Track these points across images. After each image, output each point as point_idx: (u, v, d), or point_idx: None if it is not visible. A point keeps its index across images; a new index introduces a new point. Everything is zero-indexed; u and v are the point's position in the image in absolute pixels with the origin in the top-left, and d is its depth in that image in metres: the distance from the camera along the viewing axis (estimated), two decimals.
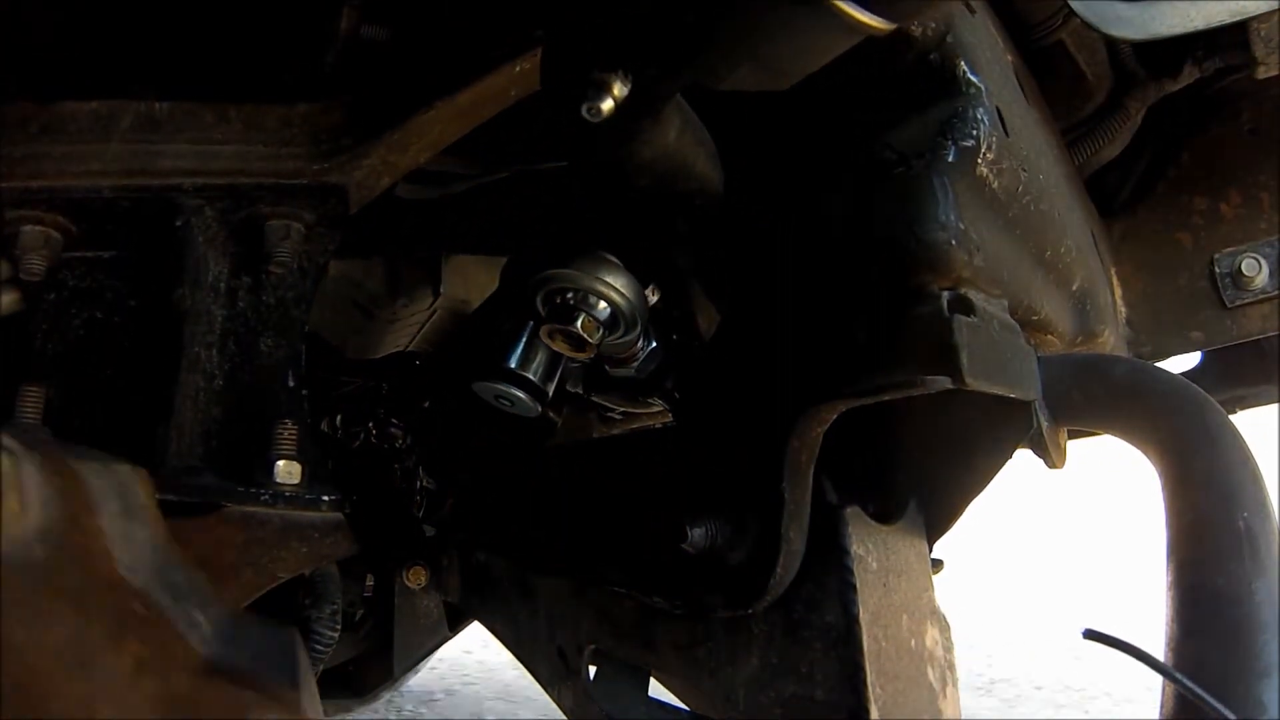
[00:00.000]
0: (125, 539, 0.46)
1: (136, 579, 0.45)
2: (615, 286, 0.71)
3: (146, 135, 0.71)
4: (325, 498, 0.70)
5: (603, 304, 0.71)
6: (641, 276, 0.76)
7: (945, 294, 0.64)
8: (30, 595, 0.40)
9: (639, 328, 0.75)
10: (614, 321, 0.73)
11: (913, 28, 0.72)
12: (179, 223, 0.72)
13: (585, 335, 0.70)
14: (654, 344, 0.80)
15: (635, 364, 0.81)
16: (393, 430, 1.34)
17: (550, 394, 0.82)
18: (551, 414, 1.09)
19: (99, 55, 0.74)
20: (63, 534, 0.43)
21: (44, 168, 0.68)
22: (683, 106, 0.66)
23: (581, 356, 0.75)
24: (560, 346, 0.73)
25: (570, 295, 0.71)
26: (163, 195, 0.72)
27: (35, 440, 0.45)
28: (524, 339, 0.80)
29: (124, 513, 0.47)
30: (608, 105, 0.50)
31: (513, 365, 0.79)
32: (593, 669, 0.94)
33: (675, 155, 0.65)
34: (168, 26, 0.77)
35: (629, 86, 0.51)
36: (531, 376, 0.79)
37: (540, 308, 0.74)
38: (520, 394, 0.80)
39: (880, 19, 0.47)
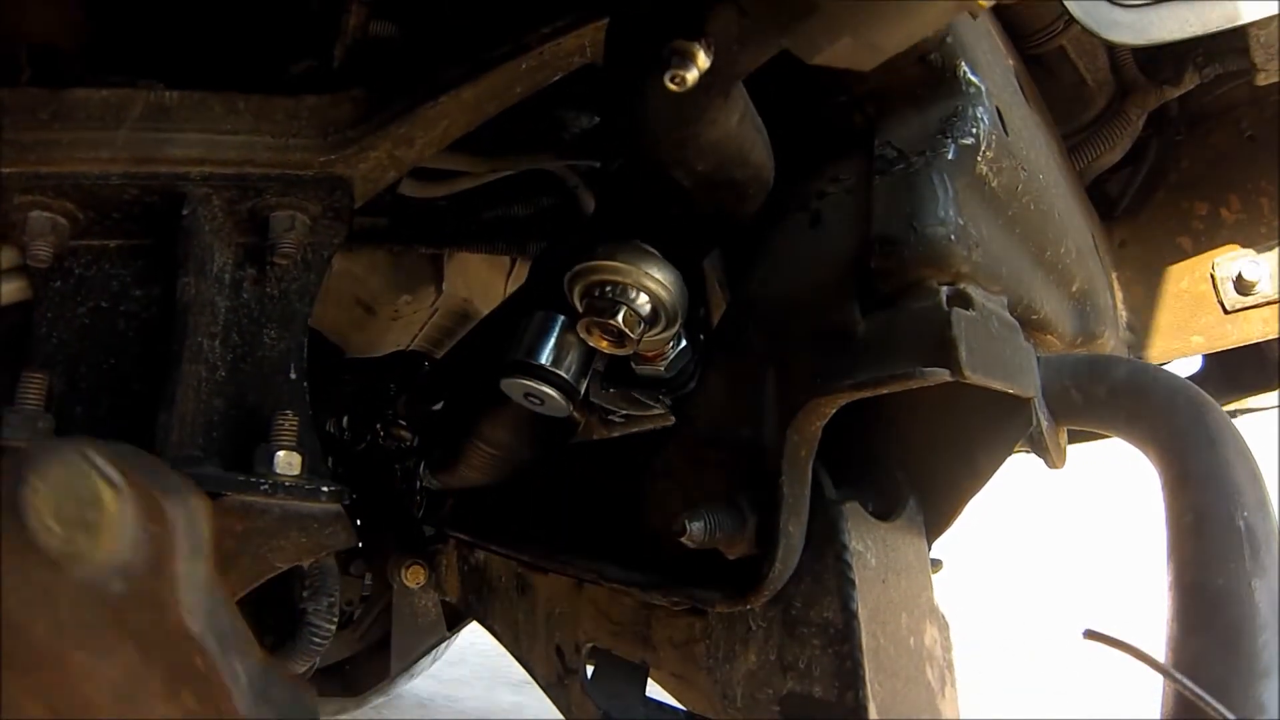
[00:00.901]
0: (192, 583, 0.47)
1: (195, 625, 0.46)
2: (659, 279, 0.67)
3: (156, 124, 0.71)
4: (324, 489, 0.70)
5: (644, 297, 0.68)
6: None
7: (944, 289, 0.64)
8: (99, 627, 0.41)
9: (678, 323, 0.72)
10: (655, 316, 0.69)
11: None
12: (185, 211, 0.73)
13: (627, 330, 0.67)
14: (684, 343, 0.77)
15: (664, 362, 0.77)
16: (400, 432, 1.34)
17: (582, 392, 0.78)
18: (576, 413, 1.05)
19: (112, 45, 0.75)
20: (142, 576, 0.44)
21: (53, 154, 0.68)
22: (743, 90, 0.63)
23: (621, 352, 0.72)
24: (599, 342, 0.70)
25: (610, 289, 0.68)
26: (170, 184, 0.72)
27: (132, 469, 0.45)
28: (555, 334, 0.76)
29: (193, 554, 0.48)
30: (693, 75, 0.47)
31: (545, 361, 0.76)
32: (590, 668, 0.94)
33: (736, 139, 0.63)
34: (181, 18, 0.78)
35: (712, 56, 0.48)
36: (564, 374, 0.76)
37: (578, 301, 0.71)
38: (552, 392, 0.76)
39: None
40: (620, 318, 0.67)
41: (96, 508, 0.41)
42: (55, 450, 0.42)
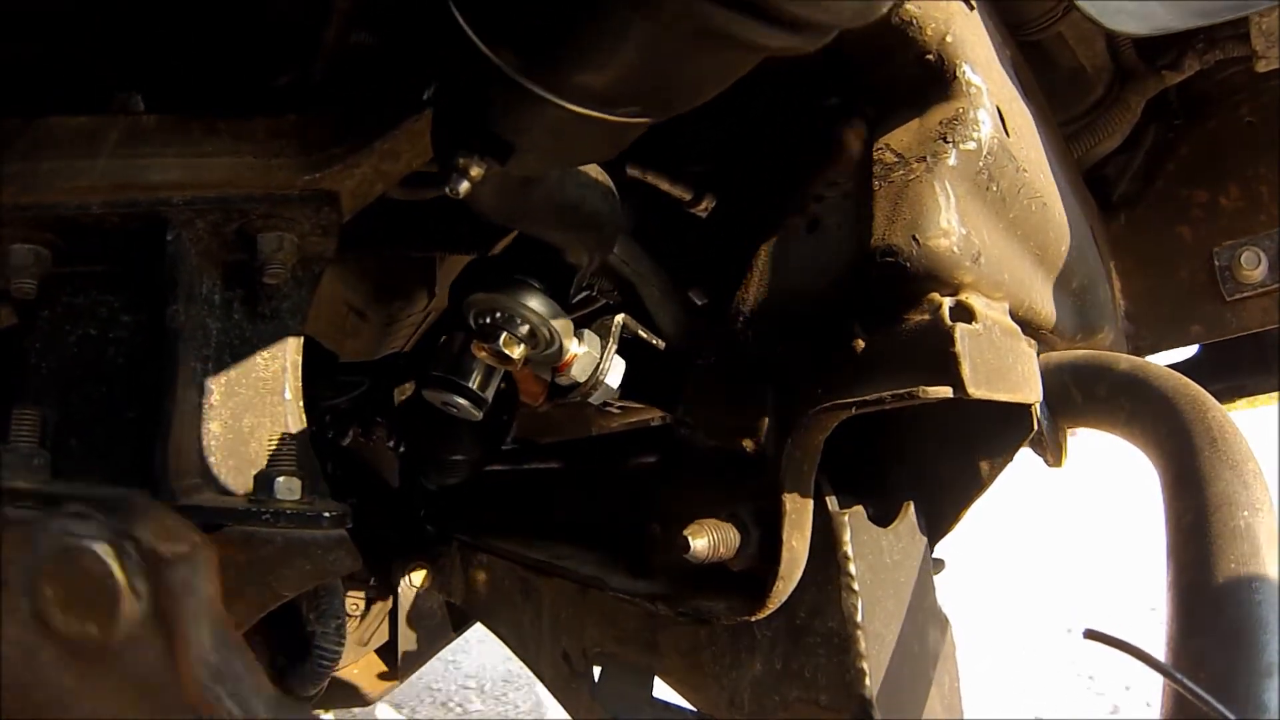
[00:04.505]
0: (201, 643, 0.47)
1: (209, 685, 0.46)
2: (530, 308, 0.80)
3: (135, 149, 0.69)
4: (326, 514, 0.70)
5: (522, 324, 0.80)
6: (556, 287, 0.83)
7: (947, 301, 0.64)
8: (113, 698, 0.40)
9: (556, 344, 0.83)
10: (533, 338, 0.82)
11: (911, 28, 0.71)
12: (170, 236, 0.71)
13: (505, 350, 0.80)
14: (586, 349, 0.86)
15: (575, 369, 0.88)
16: (378, 429, 1.35)
17: (489, 400, 0.89)
18: (505, 416, 1.19)
19: (86, 69, 0.72)
20: (154, 648, 0.43)
21: (32, 185, 0.66)
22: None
23: (507, 368, 0.84)
24: (487, 359, 0.82)
25: (497, 314, 0.80)
26: (152, 209, 0.71)
27: (136, 529, 0.45)
28: (462, 351, 0.88)
29: (201, 614, 0.48)
30: (464, 186, 0.58)
31: (453, 375, 0.88)
32: (597, 670, 0.95)
33: (559, 200, 0.74)
34: (154, 38, 0.75)
35: (484, 166, 0.58)
36: (470, 384, 0.87)
37: (473, 324, 0.83)
38: (461, 400, 0.87)
39: (637, 117, 0.54)
40: (500, 341, 0.80)
41: (108, 597, 0.41)
42: (61, 534, 0.41)
